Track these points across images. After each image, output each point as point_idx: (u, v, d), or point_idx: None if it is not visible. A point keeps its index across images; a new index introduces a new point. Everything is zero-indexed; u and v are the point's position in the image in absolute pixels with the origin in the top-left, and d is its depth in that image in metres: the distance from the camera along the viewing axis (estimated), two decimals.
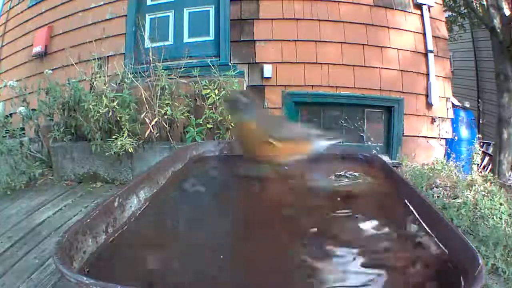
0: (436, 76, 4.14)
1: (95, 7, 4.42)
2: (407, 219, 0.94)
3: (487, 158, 5.40)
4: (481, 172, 4.30)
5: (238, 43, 4.05)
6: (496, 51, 5.08)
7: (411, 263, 0.75)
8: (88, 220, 0.75)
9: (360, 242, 0.81)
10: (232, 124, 3.17)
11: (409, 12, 4.20)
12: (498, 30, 4.82)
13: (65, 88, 3.52)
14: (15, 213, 2.72)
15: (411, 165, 3.66)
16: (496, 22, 4.82)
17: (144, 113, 3.33)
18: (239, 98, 1.17)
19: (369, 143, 4.16)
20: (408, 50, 4.16)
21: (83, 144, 3.50)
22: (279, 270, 0.72)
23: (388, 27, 4.12)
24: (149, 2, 4.34)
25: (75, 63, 3.66)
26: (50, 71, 3.67)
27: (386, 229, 0.90)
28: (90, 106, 3.25)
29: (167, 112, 3.34)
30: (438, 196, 2.88)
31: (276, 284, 0.68)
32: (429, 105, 4.15)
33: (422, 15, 4.18)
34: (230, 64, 3.88)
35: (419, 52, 4.17)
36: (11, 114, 4.01)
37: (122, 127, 3.29)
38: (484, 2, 5.16)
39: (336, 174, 1.22)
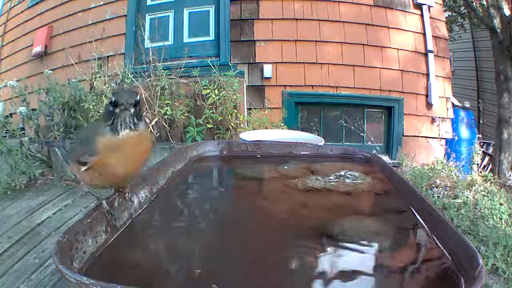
0: (436, 76, 4.14)
1: (95, 7, 4.41)
2: (407, 219, 0.94)
3: (487, 158, 5.39)
4: (481, 172, 4.29)
5: (238, 43, 4.04)
6: (496, 51, 5.07)
7: (411, 263, 0.75)
8: (88, 220, 0.75)
9: (360, 242, 0.81)
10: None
11: (409, 12, 4.19)
12: (498, 30, 4.81)
13: (65, 88, 3.52)
14: (15, 213, 2.72)
15: (411, 165, 3.66)
16: (496, 22, 4.81)
17: (144, 113, 3.33)
18: None
19: (369, 143, 4.16)
20: (408, 50, 4.16)
21: None
22: (279, 268, 0.72)
23: (388, 27, 4.12)
24: (149, 2, 4.34)
25: (75, 63, 3.65)
26: (50, 71, 3.66)
27: (386, 229, 0.90)
28: (90, 106, 3.25)
29: (167, 112, 3.34)
30: (438, 196, 2.87)
31: (276, 283, 0.68)
32: (429, 105, 4.15)
33: (422, 15, 4.18)
34: (230, 64, 3.88)
35: (419, 52, 4.17)
36: (11, 114, 4.01)
37: None
38: (484, 2, 5.14)
39: (336, 174, 1.22)
